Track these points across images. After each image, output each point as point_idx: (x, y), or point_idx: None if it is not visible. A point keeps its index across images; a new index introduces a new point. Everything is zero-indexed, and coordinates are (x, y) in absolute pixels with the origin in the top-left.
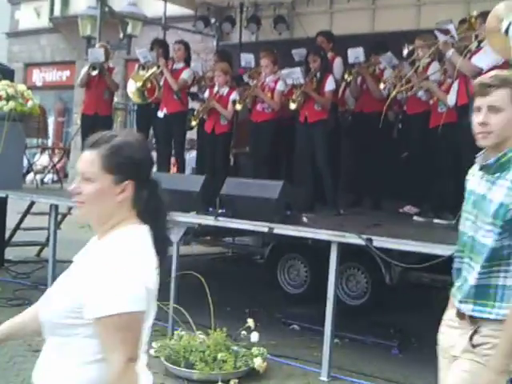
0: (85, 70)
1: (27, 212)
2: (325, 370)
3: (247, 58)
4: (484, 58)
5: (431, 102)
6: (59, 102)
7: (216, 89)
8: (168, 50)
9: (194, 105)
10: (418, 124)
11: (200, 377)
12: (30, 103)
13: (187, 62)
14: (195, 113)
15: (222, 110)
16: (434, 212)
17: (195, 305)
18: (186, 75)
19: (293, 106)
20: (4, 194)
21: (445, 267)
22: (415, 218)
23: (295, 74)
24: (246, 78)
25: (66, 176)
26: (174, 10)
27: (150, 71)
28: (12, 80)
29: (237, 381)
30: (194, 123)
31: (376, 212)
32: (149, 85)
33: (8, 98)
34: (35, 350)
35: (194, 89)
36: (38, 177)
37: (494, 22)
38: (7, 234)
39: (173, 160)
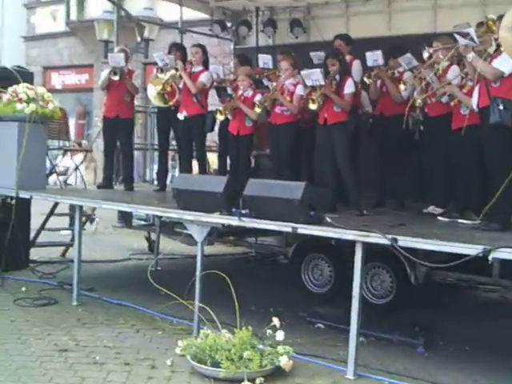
0: (105, 73)
1: (51, 213)
2: (351, 368)
3: (265, 59)
4: (505, 62)
5: (452, 104)
6: (79, 104)
7: (240, 91)
8: (186, 54)
9: (213, 107)
10: (440, 126)
11: (226, 375)
12: (50, 105)
13: (205, 65)
14: (221, 108)
15: (247, 110)
16: (459, 212)
17: (220, 304)
18: (204, 78)
19: (313, 106)
20: (28, 195)
21: (470, 266)
22: (439, 218)
23: (315, 76)
24: (265, 82)
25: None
26: (190, 14)
27: (168, 74)
28: (31, 83)
29: (263, 379)
30: (219, 117)
31: (399, 212)
32: (169, 88)
33: (28, 101)
34: (62, 350)
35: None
36: (61, 178)
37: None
38: (32, 235)
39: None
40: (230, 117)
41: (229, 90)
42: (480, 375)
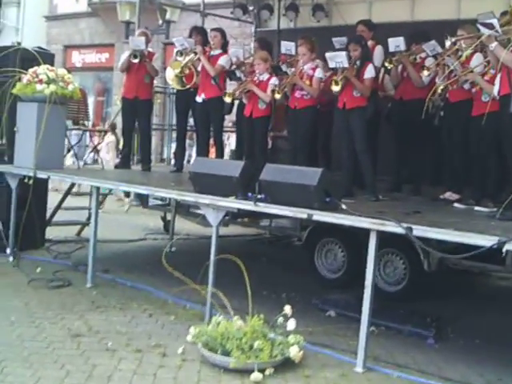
0: (125, 55)
1: (68, 192)
2: (360, 361)
3: (287, 46)
4: None
5: (474, 90)
6: (99, 82)
7: (256, 75)
8: (207, 37)
9: (230, 88)
10: (460, 112)
11: (236, 365)
12: (70, 86)
13: (224, 48)
14: (230, 90)
15: (260, 93)
16: (475, 199)
17: (233, 288)
18: (223, 61)
19: (336, 88)
20: (46, 176)
21: (484, 254)
22: (456, 204)
23: (339, 58)
24: (284, 68)
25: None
26: None
27: (188, 58)
28: (52, 64)
29: (272, 370)
30: (227, 99)
31: (415, 198)
32: (187, 71)
33: (49, 82)
34: (74, 335)
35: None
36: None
37: None
38: (48, 214)
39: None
40: (244, 100)
41: (238, 74)
42: (488, 370)
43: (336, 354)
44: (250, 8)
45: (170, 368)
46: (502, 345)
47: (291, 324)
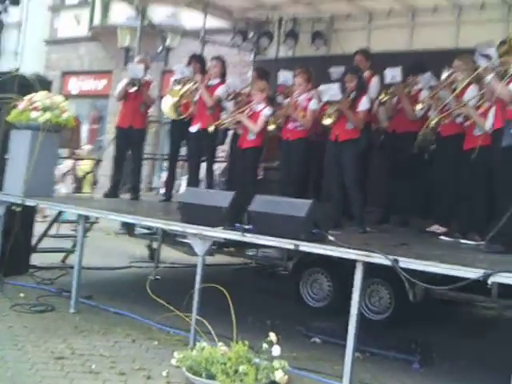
0: (122, 83)
1: (55, 220)
2: None
3: (285, 76)
4: None
5: (466, 124)
6: (94, 109)
7: (248, 107)
8: (205, 65)
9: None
10: (451, 146)
11: None
12: (65, 115)
13: (223, 78)
14: (218, 120)
15: (249, 124)
16: (461, 233)
17: (217, 315)
18: (220, 92)
19: (328, 120)
20: (34, 203)
21: (469, 285)
22: (442, 237)
23: (332, 91)
24: (279, 99)
25: (95, 184)
26: (212, 22)
27: (187, 86)
28: (49, 90)
29: None
30: (211, 128)
31: (403, 230)
32: (184, 100)
33: (44, 109)
34: (58, 358)
35: (230, 103)
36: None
37: None
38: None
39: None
40: (238, 131)
41: (223, 104)
42: None
43: (321, 377)
44: (250, 35)
45: None
46: (487, 367)
47: (276, 350)
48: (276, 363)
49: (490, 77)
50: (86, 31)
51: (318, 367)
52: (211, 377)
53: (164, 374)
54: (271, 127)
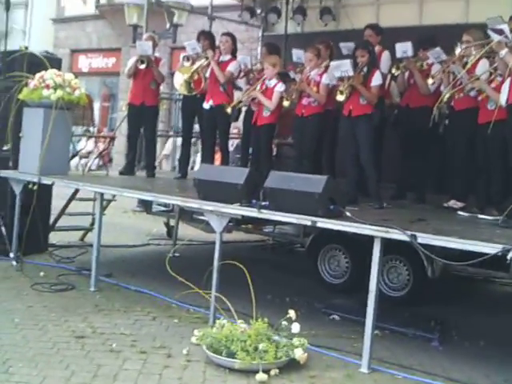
0: (132, 61)
1: (72, 198)
2: (365, 362)
3: (298, 54)
4: None
5: (479, 98)
6: (105, 87)
7: (261, 82)
8: (214, 41)
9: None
10: (465, 120)
11: (241, 366)
12: (77, 92)
13: (234, 54)
14: (235, 101)
15: (264, 100)
16: (479, 207)
17: (237, 293)
18: (232, 68)
19: (340, 97)
20: (50, 182)
21: (488, 261)
22: (460, 212)
23: (344, 67)
24: (292, 75)
25: (110, 161)
26: None
27: (199, 63)
28: (59, 69)
29: (277, 371)
30: (228, 110)
31: (420, 206)
32: (195, 77)
33: (55, 87)
34: (79, 337)
35: (242, 81)
36: (83, 161)
37: None
38: (52, 219)
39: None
40: (253, 108)
41: (237, 84)
42: (493, 371)
43: (341, 355)
44: (258, 11)
45: (175, 368)
46: (507, 346)
47: (295, 327)
48: (296, 340)
49: (504, 51)
50: (93, 9)
51: (337, 345)
52: (231, 354)
53: (184, 351)
54: (286, 103)
